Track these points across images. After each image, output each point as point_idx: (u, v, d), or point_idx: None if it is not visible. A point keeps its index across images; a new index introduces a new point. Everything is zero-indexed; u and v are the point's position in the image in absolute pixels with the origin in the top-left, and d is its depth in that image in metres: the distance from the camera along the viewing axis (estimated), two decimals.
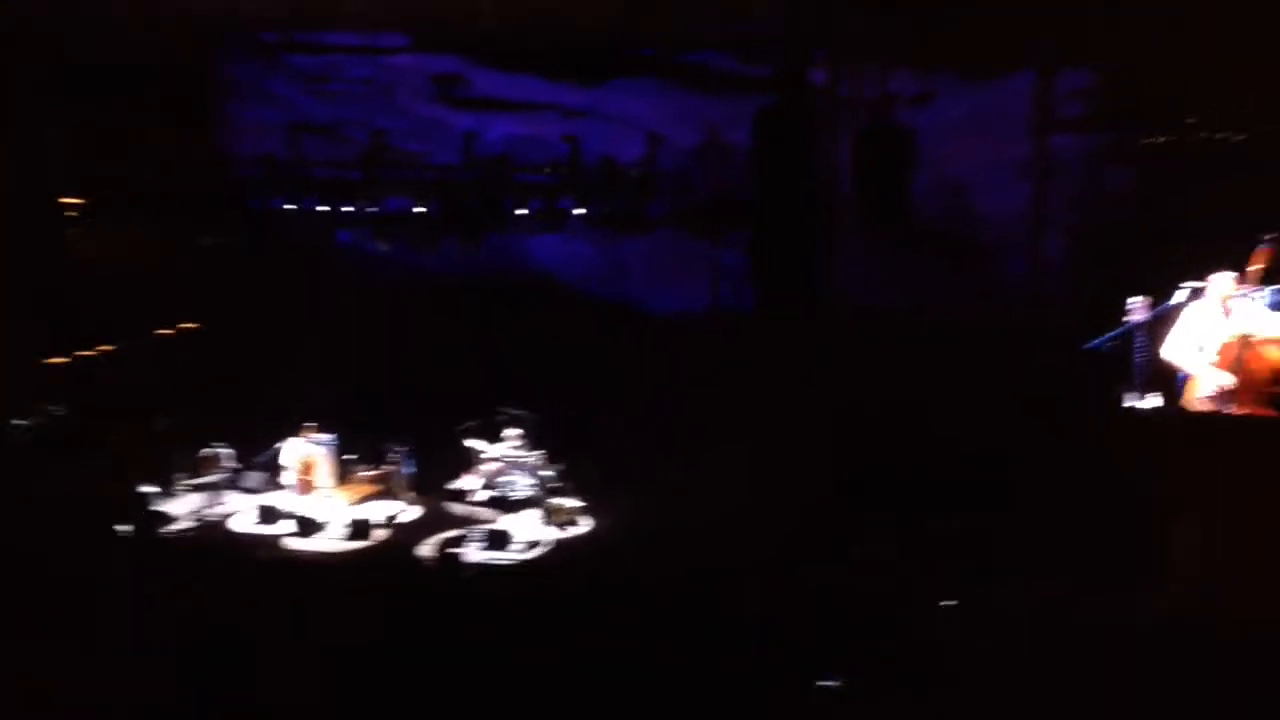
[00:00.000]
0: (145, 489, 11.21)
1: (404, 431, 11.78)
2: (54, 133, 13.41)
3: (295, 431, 11.75)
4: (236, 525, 11.20)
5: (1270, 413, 8.88)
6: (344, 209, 13.67)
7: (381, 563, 10.47)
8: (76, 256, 14.00)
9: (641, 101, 14.83)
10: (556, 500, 11.20)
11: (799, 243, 13.00)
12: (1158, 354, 9.34)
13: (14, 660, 7.62)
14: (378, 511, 11.24)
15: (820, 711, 7.16)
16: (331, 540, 10.80)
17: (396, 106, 15.33)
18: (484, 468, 11.65)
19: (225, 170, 14.45)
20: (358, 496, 11.53)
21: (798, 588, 8.71)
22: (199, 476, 11.57)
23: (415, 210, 13.62)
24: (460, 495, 11.63)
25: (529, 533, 10.80)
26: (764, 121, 13.17)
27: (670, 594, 8.66)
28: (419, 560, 10.32)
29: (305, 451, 11.74)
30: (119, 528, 10.46)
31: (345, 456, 11.83)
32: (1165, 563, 8.37)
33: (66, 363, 13.47)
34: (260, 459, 11.86)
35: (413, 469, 11.61)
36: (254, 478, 11.87)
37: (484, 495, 11.52)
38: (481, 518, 11.13)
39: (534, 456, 11.58)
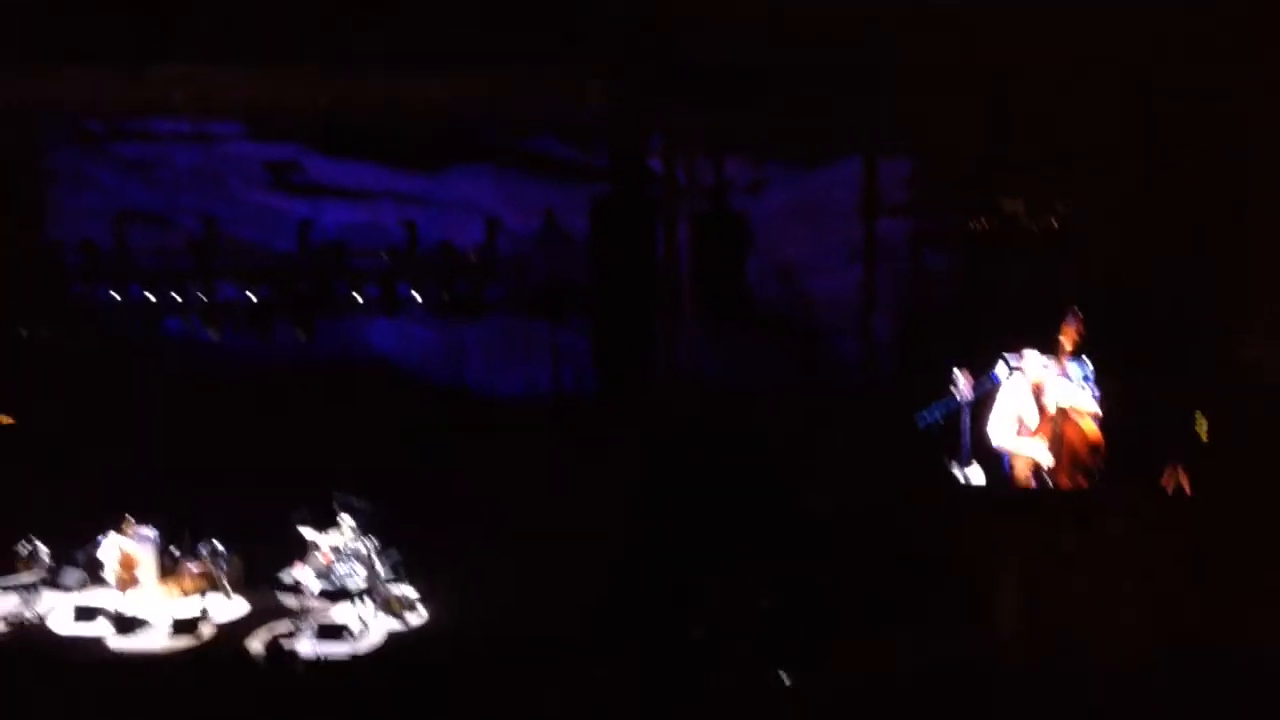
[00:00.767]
0: None
1: (233, 522, 11.46)
2: None
3: (116, 526, 11.32)
4: (54, 625, 10.71)
5: (1082, 484, 9.26)
6: (172, 297, 13.29)
7: (210, 659, 10.12)
8: None
9: (479, 187, 14.91)
10: (392, 589, 10.98)
11: (637, 325, 13.11)
12: (982, 428, 9.67)
13: None
14: (204, 606, 10.86)
15: None
16: (156, 638, 10.39)
17: (229, 194, 15.10)
18: (317, 557, 11.33)
19: (47, 259, 13.98)
20: (182, 591, 11.10)
21: (635, 670, 8.68)
22: (13, 575, 11.03)
23: (247, 297, 13.32)
24: (292, 586, 11.28)
25: (363, 623, 10.54)
26: (601, 207, 13.34)
27: (507, 682, 8.55)
28: (249, 655, 9.99)
29: (126, 547, 11.30)
30: None
31: (170, 550, 11.40)
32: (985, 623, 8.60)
33: None
34: (79, 555, 11.37)
35: (224, 561, 11.29)
36: (72, 575, 11.37)
37: (317, 586, 11.18)
38: (314, 609, 10.82)
39: (368, 545, 11.33)
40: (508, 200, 14.79)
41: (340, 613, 10.68)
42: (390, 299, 13.50)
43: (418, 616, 10.91)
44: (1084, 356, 9.65)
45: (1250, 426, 9.92)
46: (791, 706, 8.02)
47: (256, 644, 10.19)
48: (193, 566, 11.32)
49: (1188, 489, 9.53)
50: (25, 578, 11.09)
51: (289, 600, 11.12)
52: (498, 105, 12.27)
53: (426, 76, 11.47)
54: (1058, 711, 8.00)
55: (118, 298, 13.42)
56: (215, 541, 11.35)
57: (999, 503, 9.64)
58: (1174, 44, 10.25)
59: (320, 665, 9.74)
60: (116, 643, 10.39)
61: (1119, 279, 11.27)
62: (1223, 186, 10.99)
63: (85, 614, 10.72)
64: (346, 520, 11.41)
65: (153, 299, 13.38)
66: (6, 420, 13.25)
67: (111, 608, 10.76)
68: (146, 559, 11.34)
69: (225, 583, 11.24)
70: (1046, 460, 9.51)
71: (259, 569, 11.47)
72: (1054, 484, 9.55)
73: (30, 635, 10.53)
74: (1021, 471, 9.70)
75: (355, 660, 9.99)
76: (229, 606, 11.08)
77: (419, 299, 13.54)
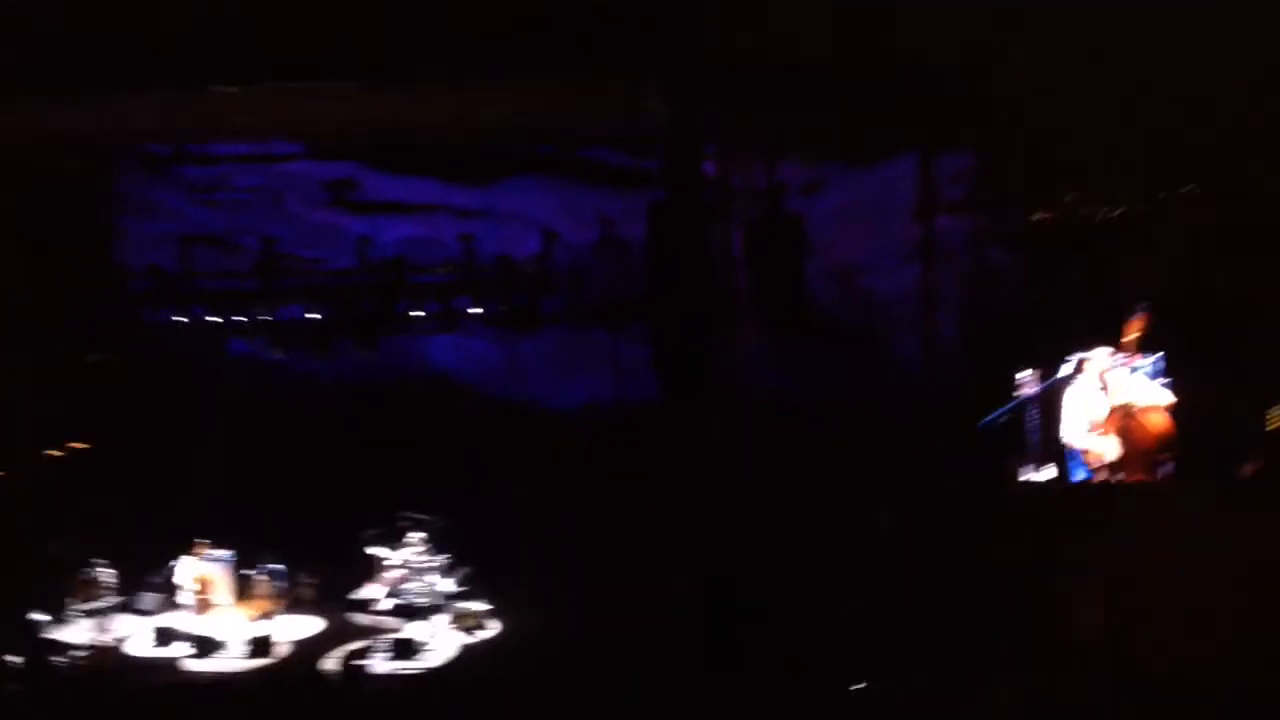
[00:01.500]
0: (36, 616, 10.83)
1: (303, 542, 11.57)
2: None
3: (189, 549, 11.47)
4: (132, 649, 10.87)
5: (1153, 479, 9.12)
6: (236, 319, 13.45)
7: (285, 679, 10.22)
8: None
9: (535, 199, 14.93)
10: (463, 604, 11.04)
11: (696, 333, 13.07)
12: (1050, 426, 9.55)
13: None
14: (279, 626, 10.98)
15: None
16: (232, 659, 10.51)
17: (288, 214, 15.26)
18: (387, 575, 11.43)
19: (116, 285, 14.19)
20: (258, 612, 11.23)
21: (705, 687, 8.65)
22: (88, 601, 11.19)
23: (310, 316, 13.44)
24: (364, 605, 11.37)
25: (436, 639, 10.61)
26: (657, 214, 13.30)
27: (576, 696, 8.56)
28: (324, 674, 10.08)
29: (201, 569, 11.45)
30: (9, 658, 10.08)
31: (243, 572, 11.54)
32: (1065, 632, 8.47)
33: None
34: (155, 579, 11.53)
35: (296, 581, 11.38)
36: (149, 599, 11.55)
37: (388, 604, 11.27)
38: (387, 627, 10.90)
39: (438, 561, 11.40)
40: (563, 211, 14.80)
41: (412, 629, 10.74)
42: (449, 314, 13.55)
43: (488, 631, 10.95)
44: (1153, 351, 9.50)
45: None
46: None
47: (331, 663, 10.28)
48: (266, 587, 11.45)
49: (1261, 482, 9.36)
50: (102, 602, 11.25)
51: (361, 618, 11.21)
52: (555, 119, 12.29)
53: (484, 93, 11.49)
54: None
55: (184, 320, 13.60)
56: (287, 562, 11.46)
57: (1068, 499, 9.51)
58: (1241, 44, 10.04)
59: (394, 682, 9.82)
60: (194, 664, 10.52)
61: (1185, 273, 11.08)
62: None
63: (163, 637, 10.87)
64: (415, 536, 11.50)
65: (218, 320, 13.54)
66: (81, 445, 13.49)
67: (188, 630, 10.91)
68: (221, 580, 11.49)
69: (298, 602, 11.36)
70: (1115, 455, 9.37)
71: (331, 588, 11.58)
72: (1125, 479, 9.40)
73: (108, 658, 10.67)
74: (1093, 469, 9.56)
75: (428, 676, 10.05)
76: (303, 626, 11.19)
77: (478, 313, 13.58)
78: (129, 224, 15.09)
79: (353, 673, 9.90)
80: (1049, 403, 9.63)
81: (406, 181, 15.13)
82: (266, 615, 11.19)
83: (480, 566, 11.45)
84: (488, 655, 10.54)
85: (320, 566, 11.67)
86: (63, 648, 10.54)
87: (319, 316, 13.49)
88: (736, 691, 8.37)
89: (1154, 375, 9.51)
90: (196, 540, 11.49)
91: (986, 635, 8.46)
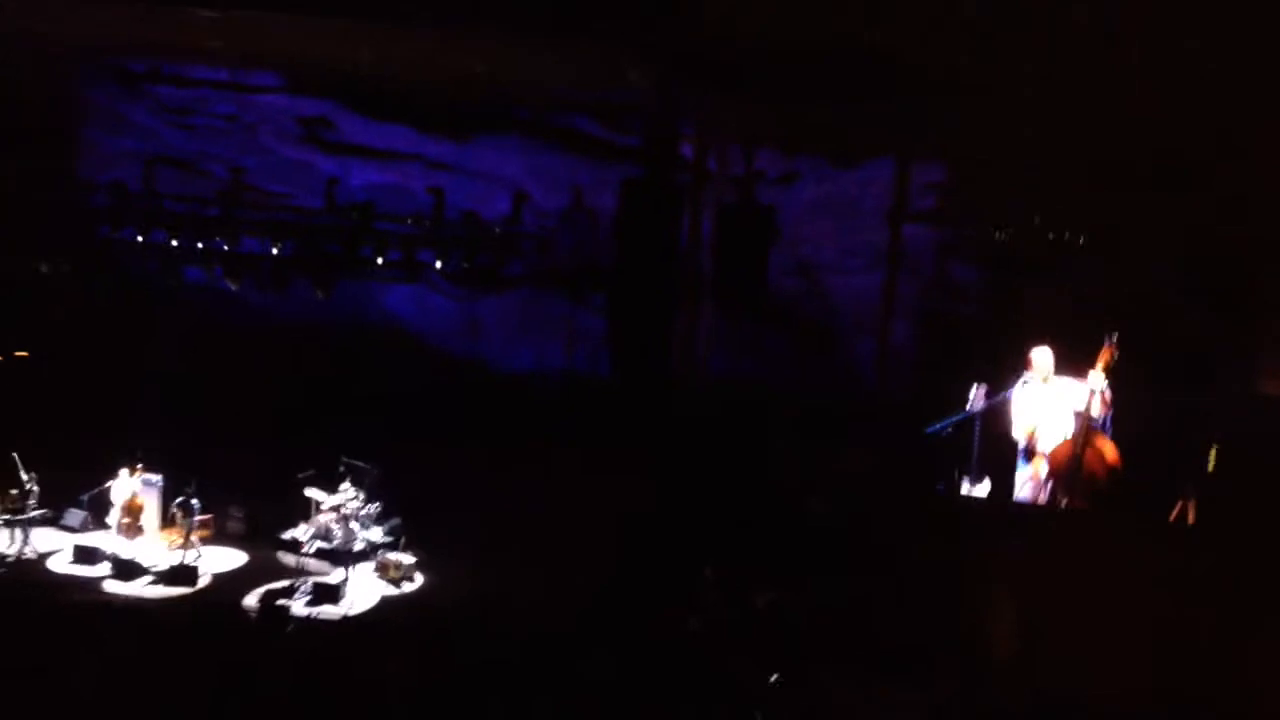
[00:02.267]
0: None
1: (238, 476, 11.46)
2: None
3: (126, 469, 11.35)
4: (52, 564, 10.76)
5: (1088, 507, 9.18)
6: (195, 244, 13.26)
7: (203, 611, 10.14)
8: None
9: (508, 159, 14.83)
10: (391, 555, 10.98)
11: (656, 311, 13.04)
12: (993, 442, 9.60)
13: None
14: (204, 558, 10.90)
15: None
16: (153, 585, 10.43)
17: (260, 145, 15.09)
18: (319, 518, 11.31)
19: (76, 197, 13.97)
20: (183, 541, 11.12)
21: (628, 654, 8.66)
22: (11, 511, 11.03)
23: (271, 251, 13.27)
24: (292, 545, 11.28)
25: (360, 587, 10.56)
26: (630, 189, 13.24)
27: (494, 657, 8.54)
28: (243, 609, 10.01)
29: (134, 490, 11.33)
30: None
31: (174, 499, 11.42)
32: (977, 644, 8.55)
33: None
34: (83, 497, 11.40)
35: (227, 514, 11.30)
36: (75, 516, 11.41)
37: (315, 546, 11.17)
38: (311, 569, 10.84)
39: (371, 509, 11.33)
40: (535, 174, 14.73)
41: (336, 575, 10.67)
42: (411, 265, 13.42)
43: (412, 584, 10.90)
44: (1109, 377, 9.52)
45: (1263, 457, 9.81)
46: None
47: (251, 599, 10.21)
48: (195, 517, 11.31)
49: (1191, 520, 9.45)
50: (28, 514, 11.08)
51: (287, 558, 11.13)
52: (536, 78, 12.17)
53: (469, 40, 11.33)
54: None
55: (141, 240, 13.42)
56: (220, 493, 11.36)
57: (999, 516, 9.57)
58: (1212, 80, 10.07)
59: (310, 625, 9.76)
60: (113, 586, 10.42)
61: (1141, 300, 11.16)
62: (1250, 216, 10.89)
63: (85, 555, 10.76)
64: (350, 483, 11.40)
65: (175, 244, 13.37)
66: (21, 354, 13.31)
67: (112, 551, 10.80)
68: (151, 505, 11.38)
69: (226, 535, 11.27)
70: (1059, 477, 9.42)
71: (261, 525, 11.48)
72: (1060, 503, 9.47)
73: (27, 573, 10.56)
74: (1028, 489, 9.63)
75: (346, 622, 9.99)
76: (228, 559, 11.11)
77: (440, 267, 13.47)
78: (97, 137, 14.90)
79: (271, 611, 9.81)
80: (994, 419, 9.66)
81: (382, 127, 15.00)
82: (192, 545, 11.06)
83: (413, 519, 11.37)
84: (407, 608, 10.47)
85: (252, 502, 11.56)
86: None
87: (279, 252, 13.32)
88: (650, 667, 8.38)
89: (1105, 399, 9.51)
90: (133, 462, 11.34)
91: (899, 638, 8.52)
